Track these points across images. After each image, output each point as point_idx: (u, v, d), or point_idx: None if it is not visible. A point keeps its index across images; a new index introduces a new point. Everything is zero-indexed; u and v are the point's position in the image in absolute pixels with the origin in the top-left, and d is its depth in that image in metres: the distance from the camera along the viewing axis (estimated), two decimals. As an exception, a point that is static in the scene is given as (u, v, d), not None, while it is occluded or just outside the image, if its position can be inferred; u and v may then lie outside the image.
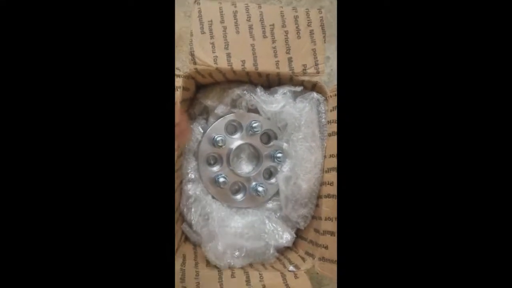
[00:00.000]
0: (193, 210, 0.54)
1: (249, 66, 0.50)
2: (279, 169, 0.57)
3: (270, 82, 0.56)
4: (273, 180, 0.59)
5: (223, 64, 0.50)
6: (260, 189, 0.57)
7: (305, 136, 0.52)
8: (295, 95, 0.54)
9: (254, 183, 0.58)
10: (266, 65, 0.50)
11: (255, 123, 0.55)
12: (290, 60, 0.51)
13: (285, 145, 0.55)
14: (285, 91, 0.53)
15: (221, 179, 0.56)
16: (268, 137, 0.59)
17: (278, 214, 0.57)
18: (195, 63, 0.49)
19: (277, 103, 0.53)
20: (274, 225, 0.55)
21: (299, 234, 0.58)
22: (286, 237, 0.54)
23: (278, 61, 0.50)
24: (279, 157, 0.57)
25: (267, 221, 0.55)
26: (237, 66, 0.50)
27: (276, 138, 0.58)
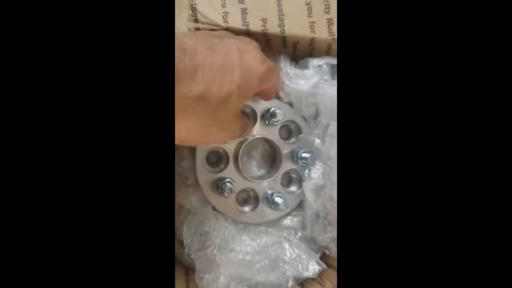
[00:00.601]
0: (185, 226, 0.41)
1: (272, 28, 0.37)
2: (305, 175, 0.43)
3: (297, 54, 0.43)
4: (293, 188, 0.45)
5: (236, 23, 0.37)
6: (279, 200, 0.43)
7: (351, 129, 0.39)
8: (334, 71, 0.41)
9: (269, 192, 0.44)
10: (297, 27, 0.38)
11: (276, 109, 0.42)
12: (329, 22, 0.38)
13: (317, 141, 0.41)
14: (320, 63, 0.40)
15: (226, 185, 0.42)
16: (288, 131, 0.46)
17: (299, 234, 0.44)
18: (196, 20, 0.37)
19: (306, 80, 0.39)
20: (296, 250, 0.41)
21: (325, 260, 0.45)
22: (312, 267, 0.41)
23: (313, 22, 0.37)
24: (305, 158, 0.43)
25: (287, 246, 0.42)
26: (255, 26, 0.37)
27: (300, 132, 0.44)
